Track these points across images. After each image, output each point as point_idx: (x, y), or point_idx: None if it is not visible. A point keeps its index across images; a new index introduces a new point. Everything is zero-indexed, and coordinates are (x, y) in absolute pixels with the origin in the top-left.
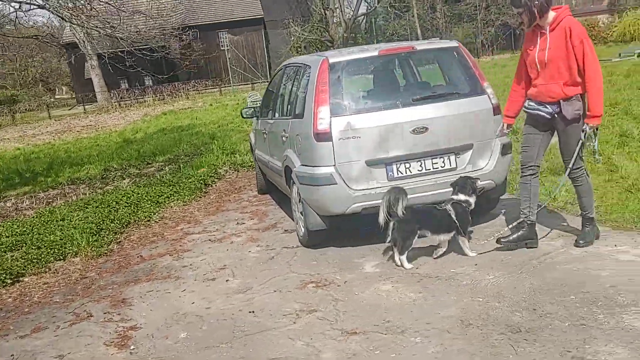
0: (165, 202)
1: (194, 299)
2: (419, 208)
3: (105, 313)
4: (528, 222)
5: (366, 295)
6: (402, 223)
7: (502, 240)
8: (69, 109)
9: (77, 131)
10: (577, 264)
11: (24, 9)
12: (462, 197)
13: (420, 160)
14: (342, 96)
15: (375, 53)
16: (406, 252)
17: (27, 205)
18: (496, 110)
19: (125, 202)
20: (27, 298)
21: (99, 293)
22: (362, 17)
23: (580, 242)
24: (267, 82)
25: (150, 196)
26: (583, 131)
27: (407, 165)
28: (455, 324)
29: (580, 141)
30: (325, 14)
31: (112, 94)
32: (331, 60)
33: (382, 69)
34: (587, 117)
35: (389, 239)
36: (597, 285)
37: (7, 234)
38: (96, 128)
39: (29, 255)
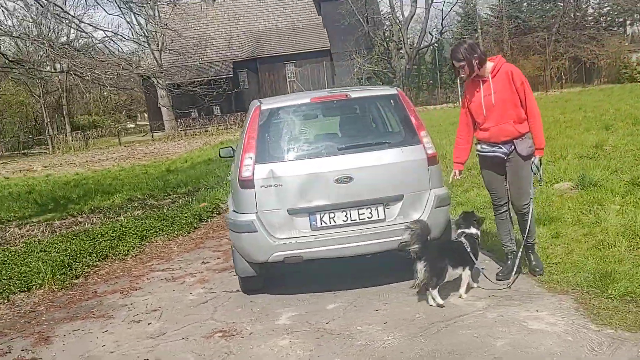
0: (151, 236)
1: (106, 342)
2: (441, 243)
3: (22, 350)
4: (513, 252)
5: (259, 350)
6: (433, 260)
7: (500, 276)
8: (142, 136)
9: (138, 158)
10: (482, 330)
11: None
12: (473, 230)
13: (345, 211)
14: (268, 143)
15: (307, 100)
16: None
17: (35, 233)
18: (432, 160)
19: (111, 235)
20: None
21: (33, 328)
22: (426, 49)
23: (537, 270)
24: None
25: (139, 230)
26: (533, 163)
27: (332, 215)
28: None
29: (532, 174)
30: (388, 46)
31: (179, 123)
32: (263, 107)
33: (314, 117)
34: (535, 150)
35: (419, 279)
36: (483, 356)
37: None
38: (156, 155)
39: None
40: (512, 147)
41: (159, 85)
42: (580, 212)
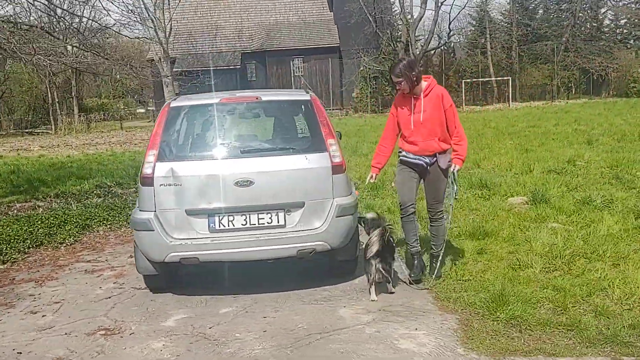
0: (94, 225)
1: (4, 327)
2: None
3: None
4: (418, 252)
5: (130, 351)
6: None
7: (412, 279)
8: (148, 122)
9: (134, 144)
10: (351, 345)
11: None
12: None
13: (245, 214)
14: (172, 141)
15: (217, 100)
16: None
17: None
18: (337, 169)
19: (52, 221)
20: None
21: None
22: (433, 51)
23: (436, 274)
24: (339, 109)
25: (83, 218)
26: (452, 173)
27: (231, 218)
28: None
29: (450, 184)
30: (395, 46)
31: None
32: (172, 104)
33: (222, 118)
34: (456, 159)
35: (375, 274)
36: None
37: None
38: None
39: None
40: (434, 159)
41: (164, 71)
42: (518, 229)
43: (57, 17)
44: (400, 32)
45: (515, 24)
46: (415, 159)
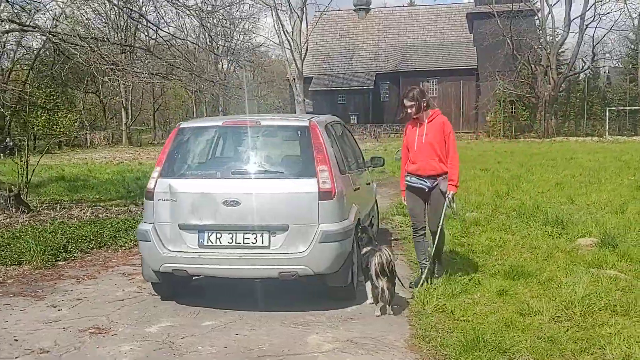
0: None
1: (12, 318)
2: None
3: None
4: (427, 268)
5: (101, 352)
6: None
7: (412, 284)
8: None
9: None
10: None
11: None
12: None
13: (232, 233)
14: (175, 160)
15: (219, 123)
16: None
17: (84, 215)
18: (324, 195)
19: (120, 226)
20: None
21: None
22: (576, 75)
23: (437, 274)
24: (471, 133)
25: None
26: (447, 198)
27: (219, 235)
28: None
29: (445, 206)
30: (534, 70)
31: None
32: (181, 126)
33: (223, 140)
34: (450, 186)
35: (379, 294)
36: None
37: None
38: None
39: None
40: (435, 182)
41: (297, 90)
42: (563, 272)
43: (211, 37)
44: (539, 55)
45: None
46: (417, 183)
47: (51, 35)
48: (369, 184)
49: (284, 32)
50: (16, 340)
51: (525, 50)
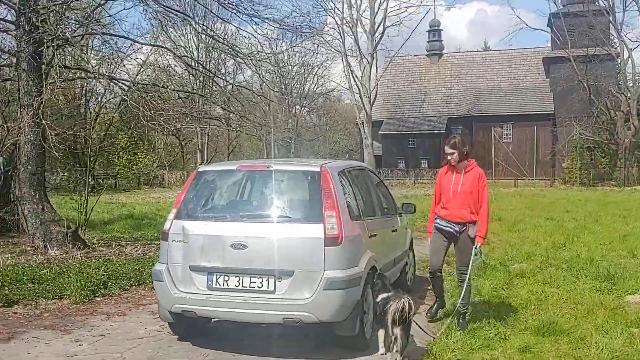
0: None
1: (36, 351)
2: None
3: None
4: (440, 304)
5: None
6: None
7: (428, 316)
8: None
9: None
10: None
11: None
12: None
13: (239, 276)
14: (190, 202)
15: (234, 167)
16: None
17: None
18: (330, 241)
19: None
20: None
21: (14, 329)
22: None
23: (459, 328)
24: (545, 180)
25: None
26: (475, 248)
27: (226, 278)
28: None
29: (473, 257)
30: (613, 115)
31: (381, 171)
32: (200, 169)
33: (235, 183)
34: (477, 237)
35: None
36: None
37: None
38: None
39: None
40: (464, 228)
41: (364, 134)
42: (601, 331)
43: (285, 86)
44: (620, 100)
45: None
46: (446, 226)
47: (134, 85)
48: (395, 230)
49: (353, 77)
50: None
51: (603, 95)
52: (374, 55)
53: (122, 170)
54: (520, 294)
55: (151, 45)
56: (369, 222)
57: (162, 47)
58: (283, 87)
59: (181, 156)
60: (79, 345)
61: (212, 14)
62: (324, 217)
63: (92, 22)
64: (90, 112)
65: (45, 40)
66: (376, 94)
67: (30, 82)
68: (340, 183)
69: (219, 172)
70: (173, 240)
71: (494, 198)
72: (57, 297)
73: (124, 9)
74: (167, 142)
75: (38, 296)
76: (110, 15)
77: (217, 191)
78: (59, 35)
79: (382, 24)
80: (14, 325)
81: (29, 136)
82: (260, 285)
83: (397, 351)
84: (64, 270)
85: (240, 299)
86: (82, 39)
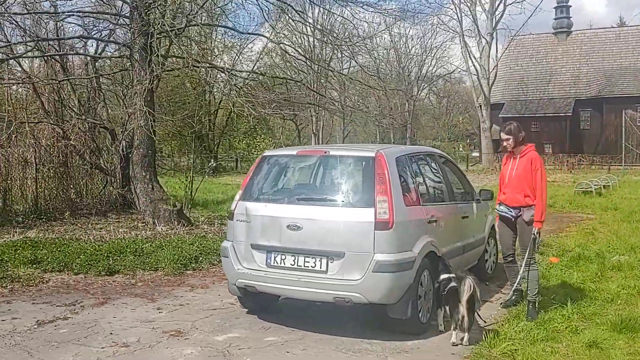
0: None
1: (121, 315)
2: None
3: (81, 306)
4: (517, 290)
5: (166, 352)
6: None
7: (502, 304)
8: (471, 165)
9: None
10: None
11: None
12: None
13: (294, 256)
14: (253, 185)
15: (294, 152)
16: None
17: None
18: (380, 225)
19: None
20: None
21: (107, 295)
22: None
23: (528, 317)
24: None
25: None
26: (533, 233)
27: (283, 257)
28: None
29: (533, 238)
30: None
31: (496, 157)
32: (265, 154)
33: (295, 167)
34: (535, 222)
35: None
36: None
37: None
38: None
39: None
40: (520, 212)
41: (482, 117)
42: None
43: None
44: None
45: None
46: (504, 212)
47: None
48: (466, 217)
49: (471, 58)
50: (111, 333)
51: None
52: (494, 35)
53: (242, 153)
54: (610, 287)
55: (257, 35)
56: (429, 208)
57: (265, 36)
58: (400, 70)
59: (298, 140)
60: (159, 312)
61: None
62: (375, 201)
63: (200, 14)
64: (214, 99)
65: (152, 31)
66: (495, 76)
67: (142, 71)
68: (397, 169)
69: (280, 156)
70: (237, 220)
71: (617, 186)
72: (152, 268)
73: (230, 1)
74: (285, 126)
75: (136, 267)
76: (219, 7)
77: (278, 175)
78: (168, 27)
79: (502, 1)
80: (111, 292)
81: (140, 121)
82: (313, 265)
83: (463, 329)
84: (164, 245)
85: (295, 277)
86: (183, 31)
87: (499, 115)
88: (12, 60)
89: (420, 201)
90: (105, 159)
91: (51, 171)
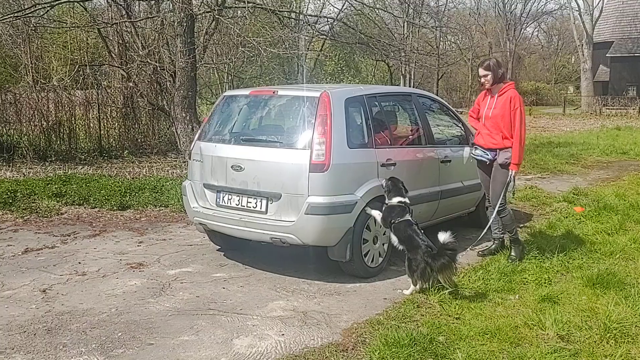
0: None
1: (101, 245)
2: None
3: (76, 237)
4: (499, 239)
5: (115, 281)
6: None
7: (479, 252)
8: (574, 109)
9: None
10: (205, 323)
11: None
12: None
13: (239, 196)
14: (210, 125)
15: (247, 92)
16: None
17: None
18: (315, 167)
19: None
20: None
21: (102, 227)
22: None
23: (511, 258)
24: None
25: None
26: (510, 176)
27: (230, 197)
28: None
29: (507, 182)
30: None
31: (596, 100)
32: (225, 94)
33: (247, 108)
34: (511, 164)
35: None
36: None
37: None
38: (544, 130)
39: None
40: (495, 155)
41: (583, 57)
42: None
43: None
44: None
45: None
46: (480, 156)
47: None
48: (448, 161)
49: None
50: (79, 263)
51: None
52: None
53: None
54: (619, 240)
55: None
56: (386, 151)
57: None
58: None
59: (391, 82)
60: (138, 246)
61: None
62: (312, 143)
63: None
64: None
65: None
66: (600, 11)
67: (182, 14)
68: (346, 110)
69: (238, 97)
70: (194, 160)
71: None
72: (163, 205)
73: None
74: (377, 67)
75: (148, 203)
76: None
77: (233, 115)
78: None
79: None
80: (111, 225)
81: (181, 63)
82: (255, 205)
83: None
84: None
85: (238, 216)
86: None
87: (607, 55)
88: (78, 3)
89: (373, 144)
90: (168, 100)
91: (114, 112)
